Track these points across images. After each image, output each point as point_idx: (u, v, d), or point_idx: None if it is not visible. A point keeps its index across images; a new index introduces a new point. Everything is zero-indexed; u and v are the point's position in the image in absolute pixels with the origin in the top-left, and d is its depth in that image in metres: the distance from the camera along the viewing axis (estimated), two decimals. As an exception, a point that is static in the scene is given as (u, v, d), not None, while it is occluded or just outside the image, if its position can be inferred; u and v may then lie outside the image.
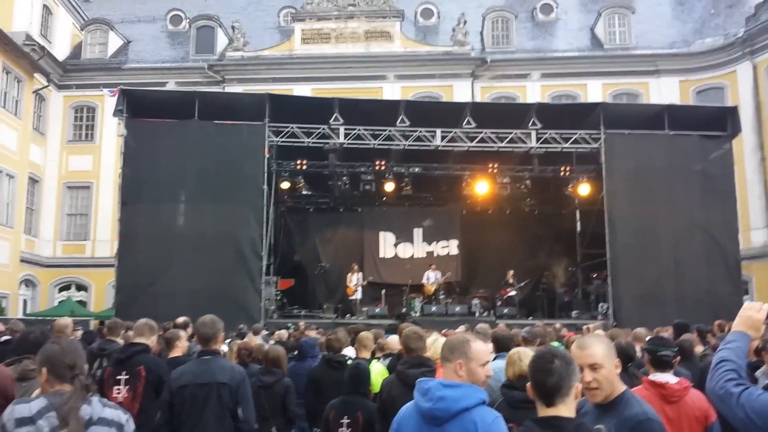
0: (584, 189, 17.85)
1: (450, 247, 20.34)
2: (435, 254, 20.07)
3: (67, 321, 7.08)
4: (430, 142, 16.67)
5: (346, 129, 16.37)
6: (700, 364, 5.80)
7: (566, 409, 2.41)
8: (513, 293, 17.95)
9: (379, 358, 6.49)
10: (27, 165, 24.69)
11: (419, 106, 18.56)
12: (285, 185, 18.32)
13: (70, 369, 2.73)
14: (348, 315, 17.51)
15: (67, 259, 25.91)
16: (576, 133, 16.62)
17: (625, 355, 4.70)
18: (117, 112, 16.32)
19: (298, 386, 5.99)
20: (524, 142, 16.74)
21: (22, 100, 24.24)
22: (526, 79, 26.25)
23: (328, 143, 16.58)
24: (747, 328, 2.66)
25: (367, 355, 6.20)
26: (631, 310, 15.27)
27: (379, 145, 16.63)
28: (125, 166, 15.98)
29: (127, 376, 4.99)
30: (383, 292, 18.54)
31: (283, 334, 9.99)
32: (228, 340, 7.87)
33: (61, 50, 27.48)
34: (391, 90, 25.59)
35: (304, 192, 19.35)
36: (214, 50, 27.74)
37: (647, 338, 4.68)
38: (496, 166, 17.96)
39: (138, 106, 16.28)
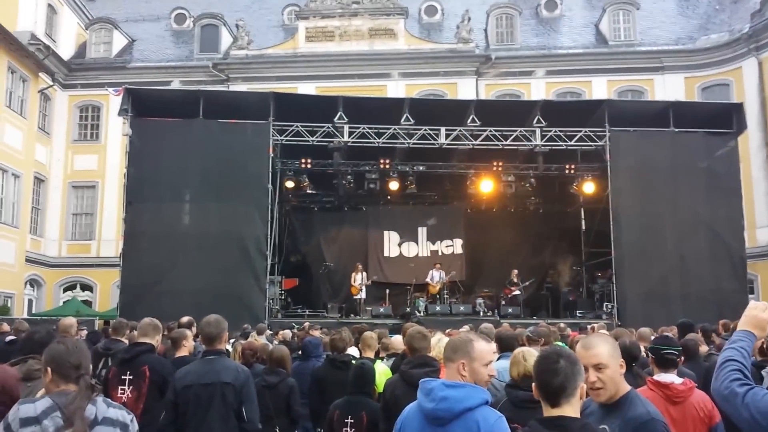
0: (589, 187, 17.79)
1: (454, 246, 20.29)
2: (439, 253, 20.03)
3: (71, 321, 7.09)
4: (435, 140, 16.66)
5: (350, 127, 16.38)
6: (705, 364, 5.77)
7: (571, 409, 2.41)
8: (517, 292, 17.92)
9: (383, 358, 6.49)
10: (32, 164, 24.78)
11: (423, 104, 18.56)
12: (289, 184, 18.32)
13: (75, 369, 2.74)
14: (352, 314, 17.52)
15: (73, 259, 25.99)
16: (581, 131, 16.59)
17: (629, 354, 4.68)
18: (122, 112, 16.37)
19: (302, 386, 5.99)
20: (529, 140, 16.70)
21: (27, 100, 24.32)
22: (530, 77, 26.20)
23: (332, 142, 16.59)
24: (752, 327, 2.65)
25: (371, 354, 6.19)
26: (636, 308, 15.26)
27: (383, 143, 16.64)
28: (130, 165, 16.02)
29: (131, 377, 4.99)
30: (387, 291, 18.54)
31: (288, 333, 10.01)
32: (232, 340, 7.88)
33: (65, 49, 27.56)
34: (396, 88, 25.59)
35: (309, 191, 19.33)
36: (219, 49, 27.78)
37: (652, 338, 4.67)
38: (500, 164, 17.91)
39: (143, 106, 16.33)
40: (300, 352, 7.06)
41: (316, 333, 9.45)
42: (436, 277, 18.28)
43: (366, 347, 6.23)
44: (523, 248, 20.02)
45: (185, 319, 7.67)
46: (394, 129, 16.46)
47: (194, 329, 6.76)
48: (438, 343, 5.00)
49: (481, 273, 20.06)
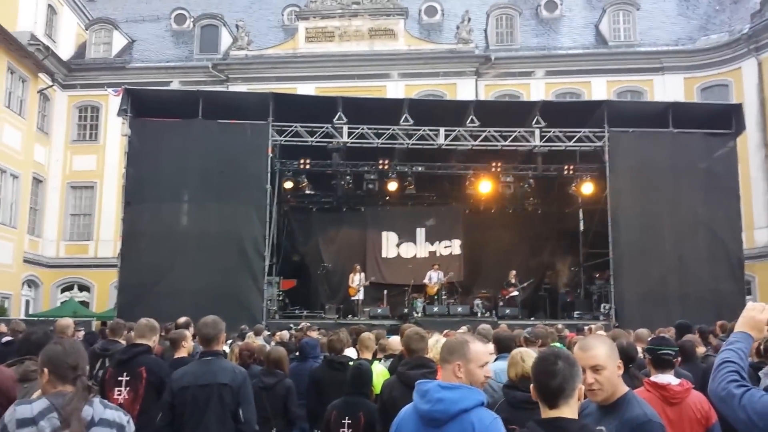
0: (587, 188, 17.79)
1: (452, 247, 20.28)
2: (437, 254, 20.02)
3: (68, 321, 7.09)
4: (434, 140, 16.65)
5: (349, 128, 16.37)
6: (702, 366, 5.76)
7: (569, 410, 2.41)
8: (515, 293, 17.92)
9: (380, 359, 6.48)
10: (31, 165, 24.75)
11: (423, 104, 18.56)
12: (288, 185, 18.32)
13: (72, 370, 2.73)
14: (350, 315, 17.53)
15: (70, 260, 25.95)
16: (580, 131, 16.59)
17: (626, 356, 4.68)
18: (121, 112, 16.38)
19: (300, 387, 5.98)
20: (528, 141, 16.71)
21: (26, 100, 24.30)
22: (530, 77, 26.20)
23: (331, 142, 16.59)
24: (750, 329, 2.65)
25: (368, 355, 6.18)
26: (634, 309, 15.25)
27: (382, 143, 16.64)
28: (129, 165, 16.02)
29: (128, 378, 4.97)
30: (385, 292, 18.53)
31: (285, 334, 10.00)
32: (229, 341, 7.87)
33: (65, 50, 27.55)
34: (395, 88, 25.59)
35: (308, 191, 19.32)
36: (219, 49, 27.78)
37: (649, 339, 4.67)
38: (499, 164, 17.93)
39: (142, 106, 16.32)
40: (297, 353, 7.06)
41: (314, 334, 9.45)
42: (434, 277, 18.26)
43: (363, 348, 6.23)
44: (521, 249, 20.01)
45: (182, 319, 7.65)
46: (393, 129, 16.46)
47: (191, 330, 6.75)
48: (436, 344, 5.00)
49: (479, 274, 20.05)
